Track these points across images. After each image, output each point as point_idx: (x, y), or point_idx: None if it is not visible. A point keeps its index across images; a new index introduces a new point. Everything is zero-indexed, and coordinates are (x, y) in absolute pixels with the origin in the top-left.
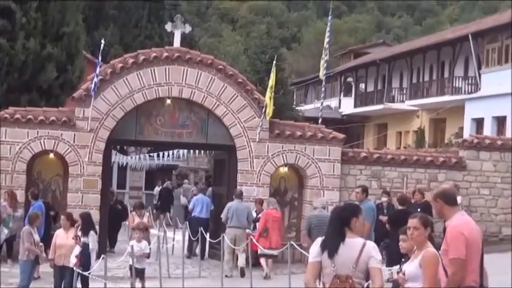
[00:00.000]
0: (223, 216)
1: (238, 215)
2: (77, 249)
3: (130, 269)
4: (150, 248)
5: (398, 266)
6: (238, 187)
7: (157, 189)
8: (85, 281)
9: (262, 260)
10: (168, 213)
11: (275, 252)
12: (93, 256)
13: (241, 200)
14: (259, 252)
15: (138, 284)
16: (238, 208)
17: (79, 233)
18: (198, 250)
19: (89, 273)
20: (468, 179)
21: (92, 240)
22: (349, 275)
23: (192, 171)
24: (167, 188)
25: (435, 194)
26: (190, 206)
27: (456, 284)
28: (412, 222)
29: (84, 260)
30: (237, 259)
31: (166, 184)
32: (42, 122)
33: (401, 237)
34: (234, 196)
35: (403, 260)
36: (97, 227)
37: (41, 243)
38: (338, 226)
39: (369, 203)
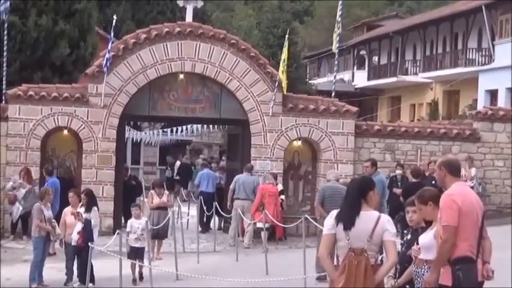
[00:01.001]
0: (230, 187)
1: (245, 187)
2: (79, 226)
3: (130, 249)
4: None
5: (403, 240)
6: (252, 161)
7: (178, 164)
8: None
9: (261, 234)
10: (182, 189)
11: (267, 225)
12: (95, 232)
13: (250, 174)
14: (256, 225)
15: (137, 265)
16: (245, 181)
17: (81, 210)
18: (211, 224)
19: (104, 249)
20: (482, 151)
21: (94, 216)
22: (364, 248)
23: (206, 146)
24: (186, 163)
25: (440, 162)
26: (196, 182)
27: (447, 251)
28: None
29: (87, 236)
30: (243, 235)
31: (184, 159)
32: (55, 99)
33: (408, 209)
34: (244, 169)
35: (405, 231)
36: (112, 203)
37: (54, 220)
38: (355, 198)
39: (379, 176)
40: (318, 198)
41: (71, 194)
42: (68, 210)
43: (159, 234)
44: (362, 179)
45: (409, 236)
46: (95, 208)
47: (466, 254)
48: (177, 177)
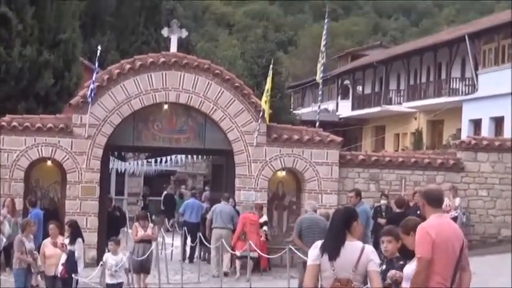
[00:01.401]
0: (208, 216)
1: (222, 216)
2: (63, 257)
3: (106, 286)
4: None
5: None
6: (236, 192)
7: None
8: None
9: (238, 262)
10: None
11: (255, 255)
12: (80, 264)
13: (228, 203)
14: (238, 254)
15: None
16: (222, 210)
17: (66, 241)
18: (196, 255)
19: (88, 280)
20: (466, 181)
21: (79, 248)
22: (349, 278)
23: (190, 177)
24: (170, 194)
25: (420, 192)
26: (180, 211)
27: (420, 283)
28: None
29: (70, 268)
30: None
31: (169, 189)
32: (39, 129)
33: (383, 239)
34: (221, 198)
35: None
36: (96, 234)
37: (35, 252)
38: (340, 229)
39: (363, 206)
40: (295, 231)
41: (51, 226)
42: (47, 241)
43: (143, 268)
44: (346, 209)
45: (383, 267)
46: (80, 240)
47: (436, 286)
48: (163, 208)
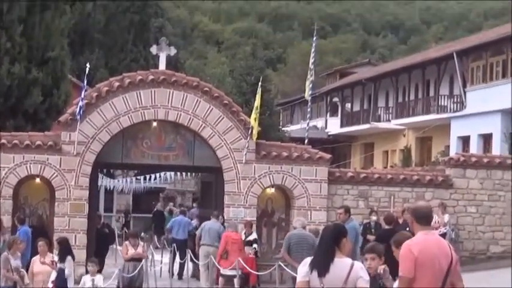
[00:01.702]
0: (197, 233)
1: (210, 234)
2: (53, 275)
3: None
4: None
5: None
6: (225, 209)
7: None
8: None
9: (221, 280)
10: (157, 236)
11: (237, 273)
12: (70, 282)
13: (217, 220)
14: (221, 272)
15: None
16: (211, 227)
17: (55, 259)
18: (185, 270)
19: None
20: (455, 197)
21: (69, 265)
22: None
23: (179, 194)
24: (159, 211)
25: (409, 209)
26: (168, 227)
27: None
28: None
29: (60, 286)
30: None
31: (158, 206)
32: (28, 147)
33: (366, 256)
34: (211, 216)
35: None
36: (84, 251)
37: (22, 270)
38: (329, 246)
39: (352, 223)
40: (284, 247)
41: (40, 243)
42: (36, 258)
43: (134, 286)
44: (335, 226)
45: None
46: (69, 258)
47: None
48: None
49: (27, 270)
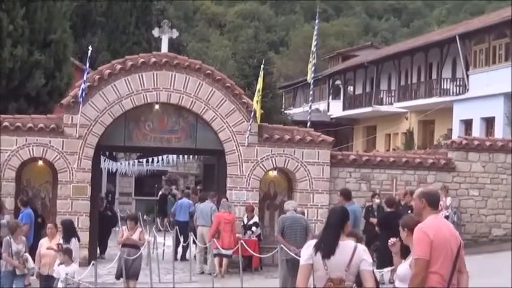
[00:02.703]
0: (194, 216)
1: (204, 215)
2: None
3: None
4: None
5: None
6: (227, 191)
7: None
8: None
9: (216, 260)
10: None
11: (229, 252)
12: (76, 263)
13: (210, 201)
14: (214, 252)
15: None
16: (203, 208)
17: (61, 241)
18: (188, 254)
19: (79, 280)
20: (457, 180)
21: (74, 247)
22: (342, 278)
23: (181, 177)
24: (164, 194)
25: (421, 193)
26: (172, 210)
27: (417, 284)
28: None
29: None
30: (205, 261)
31: (163, 190)
32: (30, 129)
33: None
34: (207, 197)
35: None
36: (87, 234)
37: (25, 253)
38: (337, 228)
39: (352, 206)
40: (278, 229)
41: (49, 225)
42: (44, 241)
43: (129, 274)
44: (342, 209)
45: None
46: (74, 240)
47: (434, 285)
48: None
49: (31, 253)
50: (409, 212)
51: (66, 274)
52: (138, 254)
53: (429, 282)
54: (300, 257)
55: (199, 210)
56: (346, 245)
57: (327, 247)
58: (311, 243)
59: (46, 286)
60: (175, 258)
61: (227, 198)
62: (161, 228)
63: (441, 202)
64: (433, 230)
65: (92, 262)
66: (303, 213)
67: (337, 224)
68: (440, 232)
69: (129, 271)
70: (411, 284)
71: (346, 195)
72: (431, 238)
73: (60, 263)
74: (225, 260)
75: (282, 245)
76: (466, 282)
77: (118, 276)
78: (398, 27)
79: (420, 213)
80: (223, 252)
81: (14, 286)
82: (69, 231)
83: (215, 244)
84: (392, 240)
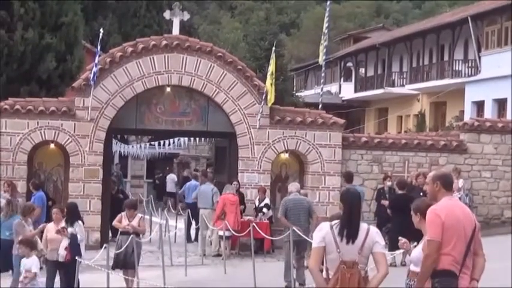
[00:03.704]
0: (193, 196)
1: (203, 197)
2: (65, 242)
3: None
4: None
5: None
6: (239, 174)
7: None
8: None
9: (222, 242)
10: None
11: (229, 233)
12: (82, 246)
13: (210, 183)
14: (219, 234)
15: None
16: (204, 191)
17: (64, 224)
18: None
19: (92, 263)
20: (469, 162)
21: (80, 230)
22: (355, 260)
23: (193, 159)
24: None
25: (435, 176)
26: (180, 192)
27: (429, 266)
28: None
29: (74, 251)
30: (211, 243)
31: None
32: (42, 113)
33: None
34: (207, 180)
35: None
36: (99, 217)
37: (36, 236)
38: (359, 212)
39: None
40: (281, 211)
41: (54, 210)
42: (50, 226)
43: (126, 263)
44: (357, 192)
45: None
46: (80, 222)
47: (446, 267)
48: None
49: (41, 237)
50: (421, 194)
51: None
52: (139, 240)
53: (442, 263)
54: (303, 238)
55: (200, 193)
56: (360, 228)
57: (352, 231)
58: (323, 226)
59: (54, 271)
60: (189, 240)
61: (238, 181)
62: (173, 211)
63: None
64: (445, 211)
65: (104, 245)
66: (306, 195)
67: (359, 207)
68: (452, 214)
69: (126, 260)
70: (423, 265)
71: (348, 177)
72: (443, 219)
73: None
74: (229, 241)
75: (289, 227)
76: (482, 265)
77: (114, 266)
78: (410, 9)
79: (435, 197)
80: (227, 233)
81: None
82: (73, 214)
83: (221, 225)
84: (402, 240)
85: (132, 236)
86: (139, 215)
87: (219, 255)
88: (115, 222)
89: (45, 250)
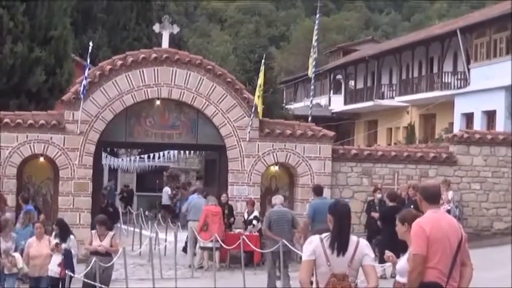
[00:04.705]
0: (183, 209)
1: (197, 209)
2: (58, 258)
3: None
4: None
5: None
6: (229, 187)
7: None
8: None
9: (205, 254)
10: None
11: (217, 245)
12: (75, 261)
13: (202, 196)
14: (200, 245)
15: None
16: (196, 203)
17: (57, 241)
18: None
19: (82, 277)
20: (459, 174)
21: (73, 245)
22: (346, 273)
23: (183, 172)
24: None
25: (418, 188)
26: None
27: (414, 280)
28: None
29: (68, 267)
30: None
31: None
32: (31, 126)
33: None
34: (195, 190)
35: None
36: (89, 230)
37: (15, 253)
38: (349, 224)
39: (326, 200)
40: (265, 223)
41: (37, 225)
42: (32, 241)
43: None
44: (347, 204)
45: None
46: (72, 237)
47: (433, 279)
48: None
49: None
50: (412, 206)
51: None
52: (111, 262)
53: (428, 276)
54: (286, 248)
55: (191, 205)
56: (350, 240)
57: (343, 243)
58: (313, 239)
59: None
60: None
61: (227, 194)
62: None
63: (443, 196)
64: (430, 225)
65: (94, 259)
66: (290, 208)
67: (349, 220)
68: (438, 227)
69: (99, 281)
70: (409, 279)
71: (317, 190)
72: (428, 233)
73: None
74: (217, 253)
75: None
76: (469, 275)
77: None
78: (399, 21)
79: (421, 209)
80: (209, 245)
81: (5, 286)
82: (65, 230)
83: (203, 237)
84: (387, 254)
85: (95, 258)
86: (111, 233)
87: (202, 267)
88: (86, 246)
89: (26, 267)
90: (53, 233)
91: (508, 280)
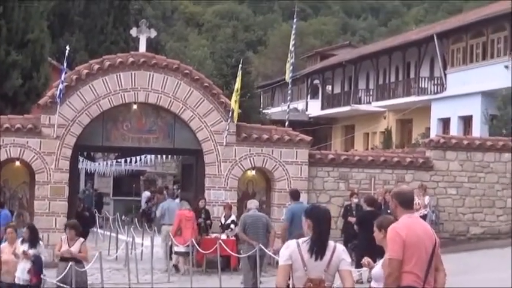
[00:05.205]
0: (157, 214)
1: (170, 213)
2: (27, 264)
3: None
4: None
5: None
6: (206, 191)
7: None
8: None
9: (180, 258)
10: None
11: (189, 249)
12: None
13: (173, 200)
14: (175, 250)
15: None
16: (170, 206)
17: (24, 247)
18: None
19: (57, 282)
20: (435, 179)
21: (43, 251)
22: (322, 278)
23: (160, 177)
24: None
25: (393, 194)
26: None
27: (390, 284)
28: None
29: (39, 272)
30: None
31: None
32: (7, 130)
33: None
34: (167, 195)
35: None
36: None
37: None
38: (328, 229)
39: (302, 205)
40: (240, 227)
41: (9, 230)
42: (4, 247)
43: None
44: (327, 209)
45: None
46: (41, 243)
47: (410, 284)
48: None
49: None
50: (388, 211)
51: None
52: (83, 269)
53: (404, 280)
54: (262, 252)
55: (164, 209)
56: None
57: (320, 248)
58: (290, 243)
59: None
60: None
61: (205, 199)
62: (139, 228)
63: (419, 201)
64: (406, 229)
65: (70, 264)
66: (267, 213)
67: (328, 224)
68: (413, 231)
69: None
70: (385, 284)
71: (294, 195)
72: (404, 238)
73: None
74: (181, 258)
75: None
76: (443, 279)
77: None
78: (376, 27)
79: (395, 214)
80: (184, 249)
81: None
82: (36, 235)
83: (177, 241)
84: (365, 260)
85: (71, 263)
86: (81, 239)
87: (178, 269)
88: (56, 252)
89: None
90: (20, 239)
91: (484, 284)
